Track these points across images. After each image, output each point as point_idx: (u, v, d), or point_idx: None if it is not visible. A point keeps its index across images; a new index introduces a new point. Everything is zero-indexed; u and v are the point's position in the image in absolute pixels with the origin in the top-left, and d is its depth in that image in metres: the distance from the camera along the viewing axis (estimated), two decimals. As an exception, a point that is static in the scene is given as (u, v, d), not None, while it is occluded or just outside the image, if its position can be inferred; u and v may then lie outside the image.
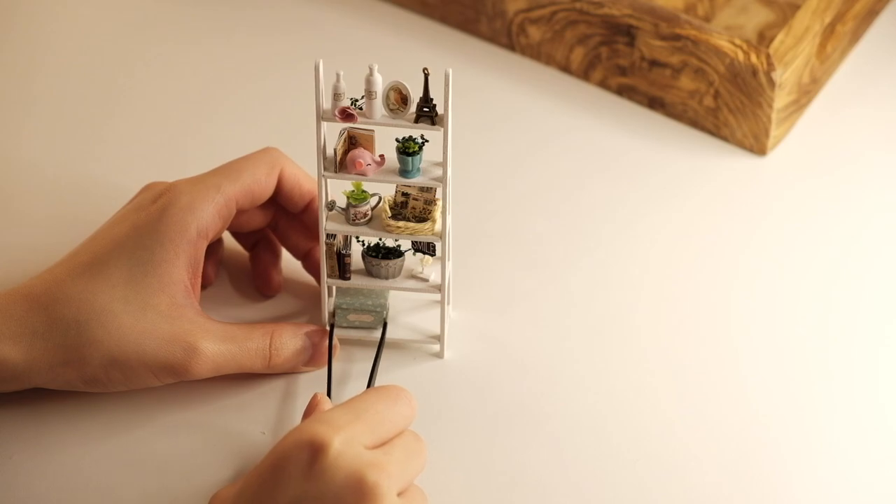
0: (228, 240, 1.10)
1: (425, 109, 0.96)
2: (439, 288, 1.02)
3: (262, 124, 1.21)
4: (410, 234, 1.00)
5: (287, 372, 1.01)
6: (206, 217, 0.99)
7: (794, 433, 0.99)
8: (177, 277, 0.97)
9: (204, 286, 1.06)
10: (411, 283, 1.03)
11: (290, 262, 1.08)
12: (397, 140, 0.97)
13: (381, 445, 0.89)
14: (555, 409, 1.01)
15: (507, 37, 1.26)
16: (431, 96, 0.96)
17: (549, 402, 1.01)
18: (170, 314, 0.96)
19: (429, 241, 1.01)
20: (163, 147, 1.20)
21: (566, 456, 0.98)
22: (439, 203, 1.00)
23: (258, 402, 1.01)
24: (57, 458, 0.97)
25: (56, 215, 1.13)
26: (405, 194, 1.00)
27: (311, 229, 1.05)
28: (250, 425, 0.99)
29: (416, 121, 0.96)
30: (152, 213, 0.98)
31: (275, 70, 1.26)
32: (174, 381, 0.97)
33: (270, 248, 1.07)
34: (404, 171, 0.98)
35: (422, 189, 0.99)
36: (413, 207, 1.00)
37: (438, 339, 1.03)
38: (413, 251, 1.02)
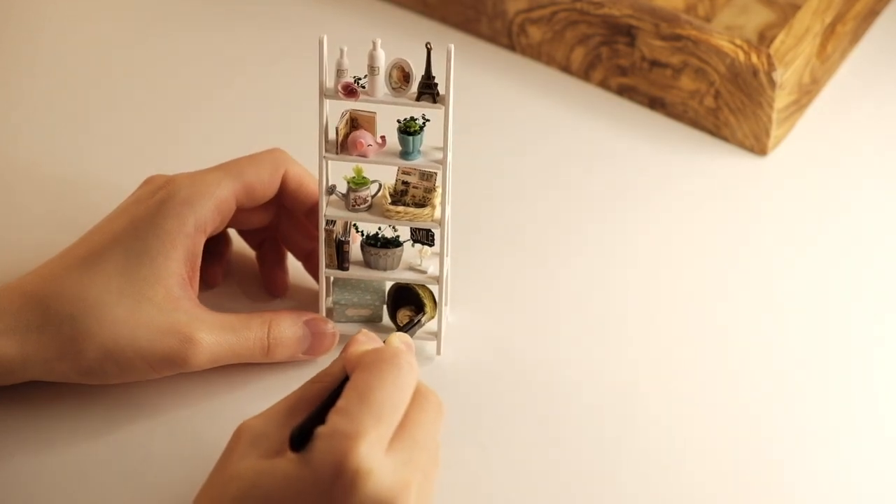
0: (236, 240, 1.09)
1: (427, 87, 0.96)
2: (438, 279, 1.01)
3: (262, 121, 1.21)
4: (410, 220, 0.99)
5: (286, 361, 1.01)
6: (205, 211, 0.98)
7: (791, 432, 0.99)
8: (173, 270, 0.97)
9: (211, 286, 1.07)
10: (410, 275, 1.02)
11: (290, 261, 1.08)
12: (399, 121, 0.97)
13: (401, 433, 0.87)
14: (553, 408, 1.00)
15: (508, 37, 1.26)
16: (433, 73, 0.95)
17: (546, 402, 1.01)
18: (165, 306, 0.96)
19: (427, 227, 1.00)
20: (161, 140, 1.19)
21: (565, 455, 0.98)
22: (439, 191, 0.99)
23: (259, 397, 1.00)
24: (55, 457, 0.96)
25: (53, 213, 1.13)
26: (405, 182, 1.00)
27: (314, 231, 1.05)
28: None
29: (418, 98, 0.96)
30: (150, 206, 0.98)
31: (274, 70, 1.26)
32: (172, 372, 0.97)
33: (276, 247, 1.07)
34: (405, 153, 0.98)
35: (422, 177, 0.99)
36: (413, 195, 1.00)
37: (436, 335, 1.03)
38: (412, 242, 1.02)
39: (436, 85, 0.96)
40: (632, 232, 1.13)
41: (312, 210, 1.04)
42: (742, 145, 1.19)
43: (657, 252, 1.11)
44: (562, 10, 1.22)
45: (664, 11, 1.18)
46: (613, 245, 1.12)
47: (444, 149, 0.97)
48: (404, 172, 0.99)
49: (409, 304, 1.03)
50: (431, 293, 1.03)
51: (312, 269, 1.06)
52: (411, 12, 1.30)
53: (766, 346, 1.05)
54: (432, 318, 1.02)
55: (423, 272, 1.02)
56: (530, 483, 0.96)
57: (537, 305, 1.07)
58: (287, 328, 1.00)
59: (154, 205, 0.98)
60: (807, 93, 1.20)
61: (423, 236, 1.01)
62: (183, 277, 0.97)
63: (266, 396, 1.00)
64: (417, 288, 1.02)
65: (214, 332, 0.97)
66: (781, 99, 1.16)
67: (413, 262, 1.03)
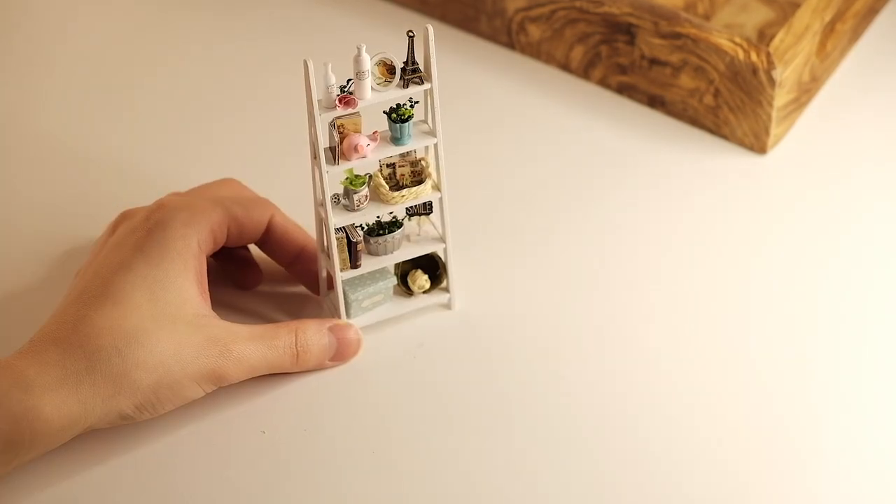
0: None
1: (412, 72, 0.96)
2: (442, 238, 1.02)
3: (264, 123, 1.21)
4: (414, 199, 1.00)
5: (314, 368, 1.01)
6: (204, 233, 0.99)
7: (786, 429, 0.99)
8: (193, 290, 0.97)
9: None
10: (417, 248, 1.03)
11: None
12: (385, 112, 0.98)
13: None
14: (551, 416, 1.01)
15: (507, 35, 1.26)
16: (416, 59, 0.96)
17: (545, 407, 1.01)
18: (198, 323, 0.96)
19: (426, 200, 1.01)
20: (162, 148, 1.20)
21: (566, 456, 0.98)
22: (426, 161, 1.00)
23: (257, 400, 1.01)
24: (54, 455, 0.97)
25: (53, 224, 1.13)
26: (390, 165, 1.00)
27: (303, 276, 1.06)
28: (250, 424, 0.99)
29: (406, 86, 0.97)
30: (153, 232, 0.98)
31: (274, 70, 1.26)
32: (214, 387, 0.97)
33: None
34: (398, 140, 0.98)
35: (403, 155, 1.00)
36: (402, 175, 1.00)
37: (447, 290, 1.05)
38: (408, 217, 1.03)
39: (419, 69, 0.97)
40: (631, 230, 1.13)
41: (297, 259, 1.05)
42: (741, 143, 1.19)
43: (656, 250, 1.11)
44: (561, 8, 1.22)
45: (664, 10, 1.18)
46: (612, 243, 1.12)
47: (434, 121, 0.98)
48: (400, 154, 1.00)
49: (415, 267, 1.05)
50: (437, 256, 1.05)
51: (299, 274, 1.06)
52: (411, 11, 1.30)
53: (762, 342, 1.05)
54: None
55: (427, 238, 1.04)
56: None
57: (536, 305, 1.07)
58: (313, 335, 1.00)
59: (156, 230, 0.98)
60: (806, 91, 1.20)
61: (420, 208, 1.02)
62: (201, 296, 0.98)
63: (265, 400, 1.01)
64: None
65: (249, 343, 0.97)
66: (781, 97, 1.16)
67: (412, 235, 1.04)
